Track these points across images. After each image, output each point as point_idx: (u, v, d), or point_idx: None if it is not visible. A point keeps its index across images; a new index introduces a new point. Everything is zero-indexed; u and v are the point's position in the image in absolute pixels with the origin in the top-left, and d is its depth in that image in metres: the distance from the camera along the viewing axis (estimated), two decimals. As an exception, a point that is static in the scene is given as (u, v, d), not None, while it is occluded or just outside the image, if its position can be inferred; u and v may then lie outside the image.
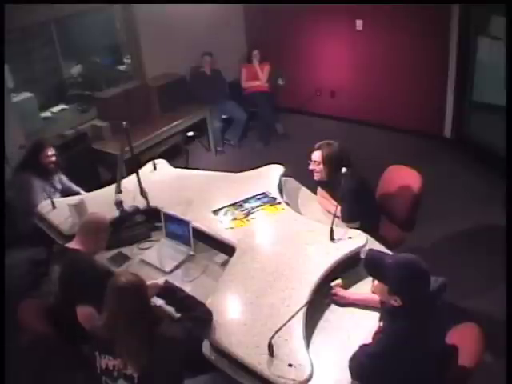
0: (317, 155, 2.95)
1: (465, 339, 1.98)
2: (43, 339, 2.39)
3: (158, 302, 2.22)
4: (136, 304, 1.84)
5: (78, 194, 3.65)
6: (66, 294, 2.36)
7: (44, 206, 3.28)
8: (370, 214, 2.97)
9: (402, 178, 3.14)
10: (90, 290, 2.24)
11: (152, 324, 1.87)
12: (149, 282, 2.09)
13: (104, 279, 2.24)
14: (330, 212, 2.92)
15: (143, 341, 1.81)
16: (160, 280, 2.23)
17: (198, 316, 2.05)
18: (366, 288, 2.34)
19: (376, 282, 1.90)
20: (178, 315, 2.13)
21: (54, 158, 3.57)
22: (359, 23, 5.53)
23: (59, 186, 3.69)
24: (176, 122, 5.15)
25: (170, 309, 2.21)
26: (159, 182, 3.42)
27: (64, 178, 3.76)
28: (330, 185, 3.00)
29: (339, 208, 2.75)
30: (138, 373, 1.83)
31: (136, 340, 1.81)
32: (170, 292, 2.15)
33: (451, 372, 1.87)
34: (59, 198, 3.51)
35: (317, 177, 3.00)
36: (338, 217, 2.77)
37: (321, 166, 2.94)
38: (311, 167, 2.98)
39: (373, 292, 1.99)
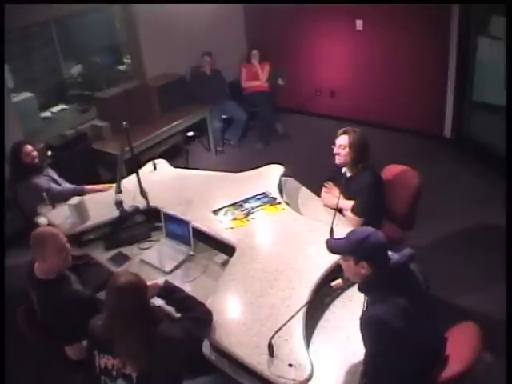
0: (343, 139, 2.93)
1: (463, 338, 1.98)
2: (42, 341, 2.40)
3: (159, 302, 2.22)
4: (135, 304, 1.84)
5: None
6: (47, 322, 2.31)
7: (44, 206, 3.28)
8: (379, 210, 3.00)
9: (401, 176, 3.15)
10: (71, 323, 2.21)
11: (151, 324, 1.86)
12: (149, 283, 2.09)
13: (85, 305, 2.25)
14: (329, 207, 2.94)
15: (142, 341, 1.81)
16: (160, 280, 2.23)
17: (197, 316, 2.05)
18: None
19: (343, 262, 1.94)
20: (178, 315, 2.13)
21: (35, 154, 3.53)
22: (359, 23, 5.53)
23: (57, 178, 3.69)
24: (176, 122, 5.15)
25: (170, 309, 2.20)
26: (159, 181, 3.42)
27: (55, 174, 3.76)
28: (340, 179, 3.00)
29: (349, 202, 2.84)
30: (137, 372, 1.83)
31: (135, 340, 1.81)
32: (169, 292, 2.15)
33: (445, 366, 1.87)
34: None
35: (339, 160, 2.96)
36: (339, 212, 2.83)
37: (346, 149, 2.91)
38: (335, 151, 2.95)
39: (347, 279, 2.01)
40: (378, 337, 1.79)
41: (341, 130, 2.97)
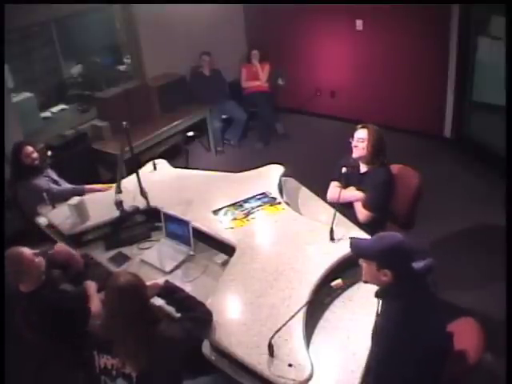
0: (362, 132, 2.98)
1: (463, 334, 1.98)
2: (40, 341, 2.40)
3: (159, 302, 2.22)
4: (135, 304, 1.84)
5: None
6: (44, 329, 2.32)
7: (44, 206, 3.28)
8: (387, 208, 3.03)
9: (401, 176, 3.15)
10: (65, 324, 2.23)
11: (151, 324, 1.87)
12: (149, 282, 2.09)
13: (75, 302, 2.27)
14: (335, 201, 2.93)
15: (141, 341, 1.81)
16: (160, 280, 2.23)
17: (197, 316, 2.05)
18: (366, 288, 2.34)
19: (364, 264, 1.90)
20: (178, 315, 2.12)
21: (35, 155, 3.52)
22: (359, 23, 5.53)
23: (56, 178, 3.69)
24: (176, 122, 5.15)
25: (171, 309, 2.20)
26: (159, 181, 3.42)
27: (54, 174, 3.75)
28: (352, 174, 3.00)
29: (357, 192, 2.94)
30: (137, 372, 1.83)
31: (134, 340, 1.81)
32: (170, 292, 2.15)
33: (451, 364, 1.88)
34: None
35: (357, 154, 2.99)
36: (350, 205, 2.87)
37: (365, 143, 2.95)
38: (354, 144, 2.99)
39: (364, 281, 1.97)
40: (391, 347, 1.79)
41: (360, 125, 3.03)
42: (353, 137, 3.01)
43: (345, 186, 2.94)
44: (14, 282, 2.32)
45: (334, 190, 3.10)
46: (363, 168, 3.04)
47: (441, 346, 1.86)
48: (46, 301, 2.27)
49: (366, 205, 2.94)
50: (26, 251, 2.32)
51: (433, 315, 1.84)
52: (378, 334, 1.83)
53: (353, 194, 3.01)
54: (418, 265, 1.85)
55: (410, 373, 1.78)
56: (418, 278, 1.83)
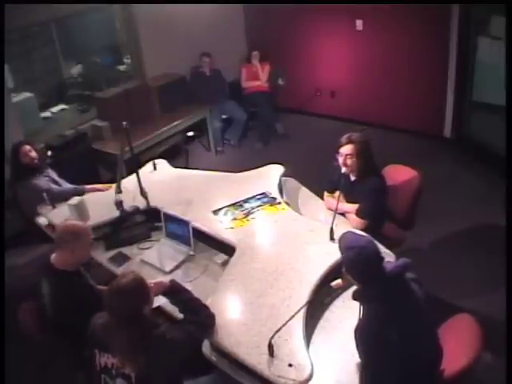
0: (349, 149, 2.83)
1: (460, 331, 1.98)
2: (43, 341, 2.40)
3: (162, 300, 2.20)
4: (128, 306, 1.81)
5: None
6: (59, 314, 2.31)
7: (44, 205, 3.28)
8: (382, 214, 2.99)
9: (400, 176, 3.15)
10: (83, 315, 2.20)
11: (147, 328, 1.85)
12: (155, 280, 2.09)
13: (96, 301, 2.22)
14: (332, 210, 2.93)
15: (136, 342, 1.80)
16: (166, 279, 2.21)
17: (200, 321, 2.03)
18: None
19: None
20: (181, 316, 2.11)
21: (33, 154, 3.52)
22: (359, 23, 5.53)
23: (57, 178, 3.70)
24: (176, 122, 5.15)
25: (173, 308, 2.19)
26: (159, 182, 3.42)
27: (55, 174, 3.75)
28: (343, 182, 2.93)
29: (352, 206, 2.86)
30: (135, 373, 1.83)
31: (128, 341, 1.80)
32: (175, 292, 2.12)
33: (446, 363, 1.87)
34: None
35: (347, 170, 2.89)
36: (342, 214, 2.84)
37: (354, 159, 2.84)
38: (342, 161, 2.86)
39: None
40: (369, 348, 1.79)
41: (345, 139, 2.86)
42: (338, 152, 2.89)
43: (334, 191, 2.89)
44: (68, 251, 2.32)
45: (327, 199, 3.11)
46: (353, 177, 2.97)
47: (427, 347, 1.85)
48: (79, 286, 2.33)
49: (359, 213, 2.87)
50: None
51: (416, 316, 1.83)
52: (355, 336, 1.84)
53: (341, 207, 2.92)
54: (388, 267, 1.83)
55: (397, 374, 1.77)
56: (389, 280, 1.79)
